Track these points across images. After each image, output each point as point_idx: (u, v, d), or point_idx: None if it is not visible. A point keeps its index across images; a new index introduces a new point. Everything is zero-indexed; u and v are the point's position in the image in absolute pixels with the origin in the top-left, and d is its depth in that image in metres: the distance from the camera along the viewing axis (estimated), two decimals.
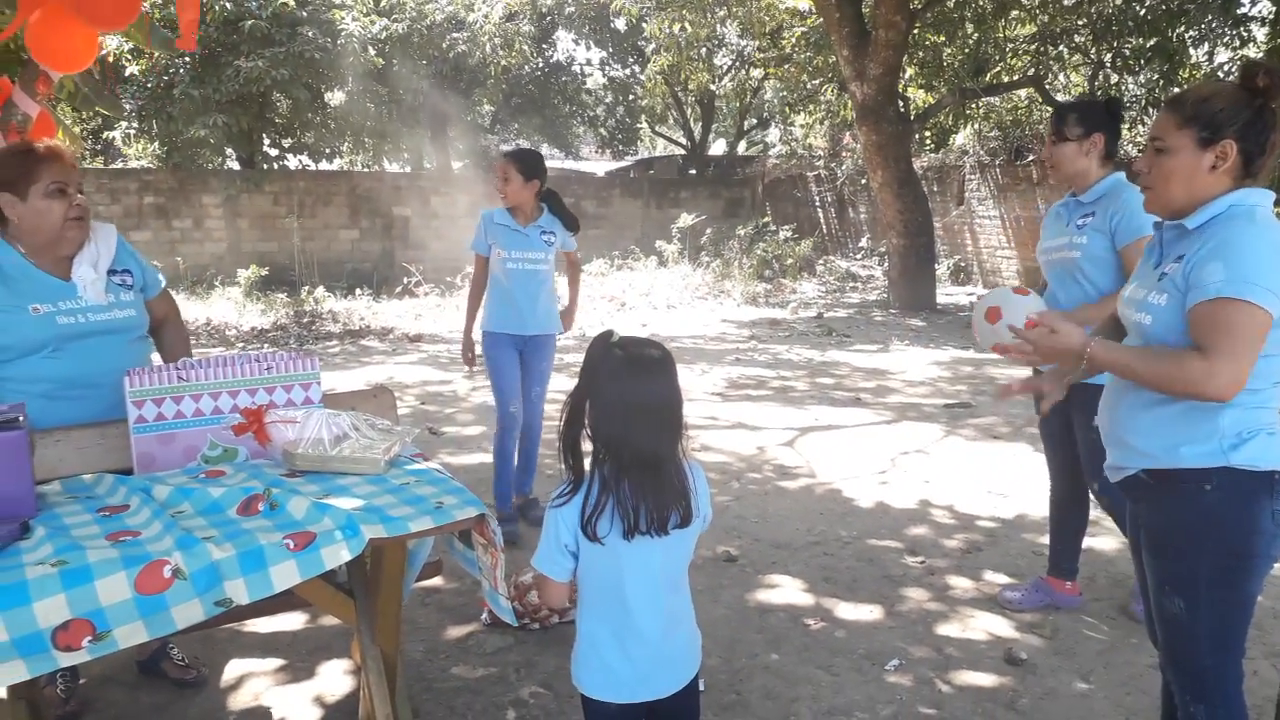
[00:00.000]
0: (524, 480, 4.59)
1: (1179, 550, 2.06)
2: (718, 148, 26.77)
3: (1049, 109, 14.05)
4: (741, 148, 25.09)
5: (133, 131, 15.71)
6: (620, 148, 25.21)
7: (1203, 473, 1.98)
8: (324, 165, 18.59)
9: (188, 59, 14.01)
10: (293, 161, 18.12)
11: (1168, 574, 2.08)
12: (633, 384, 1.82)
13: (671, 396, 1.85)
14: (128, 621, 1.76)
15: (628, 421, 1.81)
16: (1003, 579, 3.88)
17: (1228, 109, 1.96)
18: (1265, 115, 1.96)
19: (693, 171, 21.47)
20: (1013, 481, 5.10)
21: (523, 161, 4.34)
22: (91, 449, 2.49)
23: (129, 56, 13.68)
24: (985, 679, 3.11)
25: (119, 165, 16.93)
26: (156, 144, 15.96)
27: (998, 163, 14.50)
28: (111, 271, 2.73)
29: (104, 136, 16.03)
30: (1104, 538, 4.13)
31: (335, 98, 17.32)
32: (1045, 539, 4.22)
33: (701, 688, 3.00)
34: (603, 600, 1.91)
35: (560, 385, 4.97)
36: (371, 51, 16.02)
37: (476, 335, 4.51)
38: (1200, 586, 2.02)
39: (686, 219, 15.27)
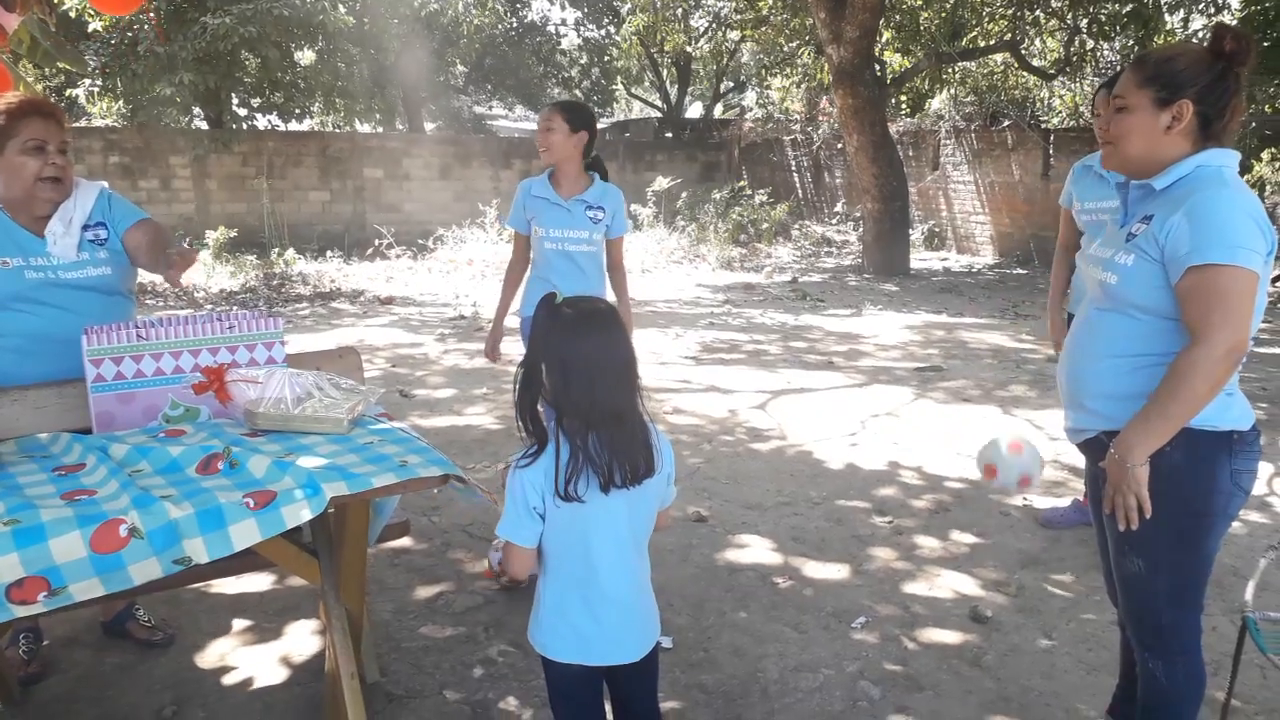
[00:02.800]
0: None
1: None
2: (694, 110, 26.62)
3: (1025, 75, 14.08)
4: (718, 111, 24.92)
5: (96, 89, 15.35)
6: (595, 109, 25.00)
7: None
8: (294, 126, 18.30)
9: (153, 15, 13.68)
10: (262, 121, 17.79)
11: (1129, 533, 2.08)
12: (589, 341, 1.81)
13: (627, 349, 1.86)
14: (84, 578, 1.74)
15: (591, 378, 1.79)
16: (970, 539, 3.92)
17: (1187, 70, 1.94)
18: (1227, 79, 1.94)
19: (669, 134, 21.30)
20: (981, 443, 5.13)
21: (570, 110, 3.60)
22: (49, 408, 2.45)
23: (91, 12, 13.33)
24: (950, 636, 3.15)
25: (83, 124, 16.56)
26: (121, 102, 15.61)
27: (973, 128, 14.49)
28: (85, 227, 2.68)
29: (67, 94, 15.65)
30: (1070, 498, 4.18)
31: (305, 56, 16.99)
32: (1013, 500, 4.28)
33: (670, 645, 3.03)
34: (568, 563, 1.89)
35: None
36: (342, 9, 15.71)
37: (511, 322, 3.81)
38: (1160, 546, 2.04)
39: (662, 182, 15.16)
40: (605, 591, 1.89)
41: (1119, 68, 12.32)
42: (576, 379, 1.80)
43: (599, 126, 3.92)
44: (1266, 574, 2.52)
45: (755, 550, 3.82)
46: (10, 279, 2.55)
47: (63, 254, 2.61)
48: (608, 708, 2.11)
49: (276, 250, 12.73)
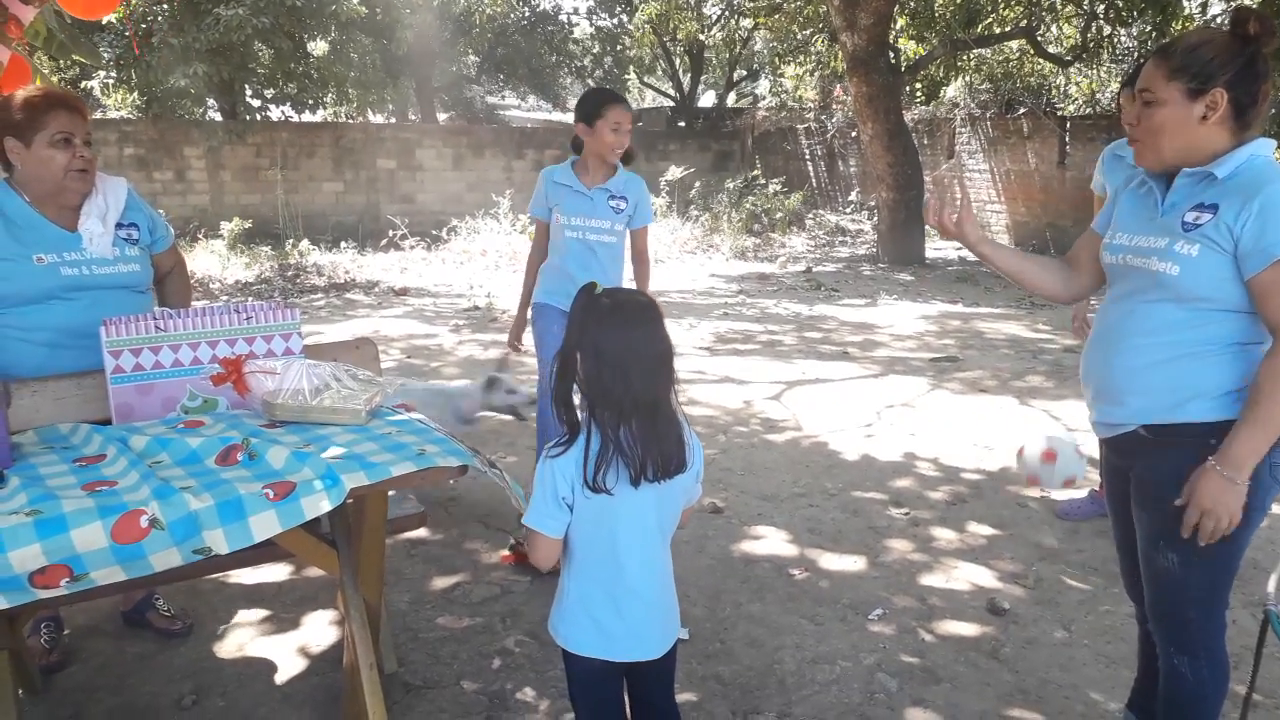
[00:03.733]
0: None
1: (1173, 505, 2.02)
2: (707, 99, 26.49)
3: (1041, 62, 13.96)
4: (731, 99, 24.82)
5: (111, 81, 15.42)
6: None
7: (1208, 427, 1.94)
8: (307, 116, 18.31)
9: (165, 6, 13.72)
10: (275, 112, 17.84)
11: (1164, 528, 2.04)
12: (627, 332, 1.80)
13: (664, 341, 1.84)
14: (105, 566, 1.75)
15: (626, 369, 1.78)
16: (987, 530, 3.90)
17: (1217, 58, 1.89)
18: (1256, 63, 1.90)
19: (681, 124, 21.23)
20: (998, 434, 5.12)
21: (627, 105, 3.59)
22: (69, 399, 2.46)
23: None
24: (968, 628, 3.14)
25: (98, 115, 16.63)
26: (136, 94, 15.67)
27: (988, 115, 14.38)
28: (118, 225, 2.73)
29: (82, 86, 15.71)
30: (1088, 489, 4.15)
31: (318, 47, 17.01)
32: (1029, 491, 4.26)
33: (686, 636, 3.02)
34: (594, 557, 1.88)
35: None
36: (354, 0, 15.71)
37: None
38: (1194, 540, 1.99)
39: (675, 172, 15.12)
40: (631, 586, 1.88)
41: (1137, 54, 12.23)
42: (610, 369, 1.79)
43: None
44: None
45: (771, 541, 3.81)
46: (46, 275, 2.57)
47: (100, 251, 2.66)
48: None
49: (291, 241, 12.77)
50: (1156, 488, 2.05)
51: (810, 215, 15.97)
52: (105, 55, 14.13)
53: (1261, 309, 1.88)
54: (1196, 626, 2.08)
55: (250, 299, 9.85)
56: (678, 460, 1.84)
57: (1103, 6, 12.36)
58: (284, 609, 3.26)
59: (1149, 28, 11.65)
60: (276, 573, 3.49)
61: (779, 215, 15.13)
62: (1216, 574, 2.04)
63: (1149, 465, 2.08)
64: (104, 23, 13.66)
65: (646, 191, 3.72)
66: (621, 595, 1.88)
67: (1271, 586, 2.37)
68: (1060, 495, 4.17)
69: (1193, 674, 2.10)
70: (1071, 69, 14.06)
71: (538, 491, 1.85)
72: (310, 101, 17.70)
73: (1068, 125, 13.20)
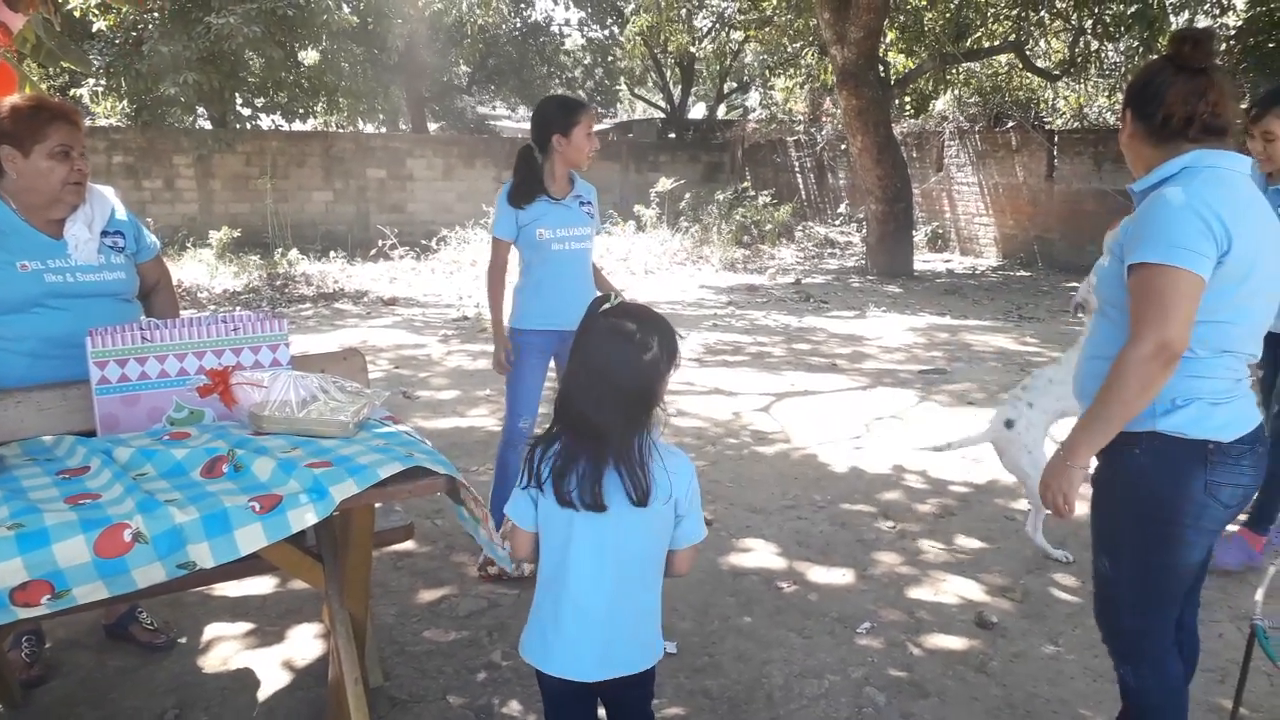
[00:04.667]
0: None
1: (1106, 510, 2.09)
2: (697, 111, 26.58)
3: (1029, 76, 14.06)
4: (721, 111, 24.91)
5: (100, 89, 15.37)
6: (599, 110, 24.98)
7: (1131, 435, 1.97)
8: (298, 125, 18.31)
9: (156, 15, 13.70)
10: (266, 121, 17.82)
11: (1097, 532, 2.12)
12: (596, 349, 1.81)
13: (629, 371, 1.79)
14: (87, 582, 1.73)
15: (580, 383, 1.82)
16: (975, 544, 3.90)
17: (1131, 80, 2.03)
18: (1160, 77, 1.96)
19: (672, 135, 21.30)
20: (986, 447, 5.12)
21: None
22: (53, 410, 2.44)
23: (95, 11, 13.36)
24: (956, 642, 3.13)
25: (87, 123, 16.58)
26: (125, 102, 15.63)
27: (977, 129, 14.47)
28: (104, 233, 2.71)
29: (71, 94, 15.66)
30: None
31: (309, 56, 17.02)
32: (1018, 504, 4.27)
33: (674, 650, 3.01)
34: (549, 565, 1.89)
35: None
36: (346, 9, 15.73)
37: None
38: (1124, 549, 2.04)
39: (665, 183, 15.15)
40: (575, 601, 1.84)
41: (1124, 69, 12.33)
42: (571, 378, 1.84)
43: (603, 126, 3.92)
44: (1276, 580, 2.50)
45: (759, 554, 3.80)
46: (29, 282, 2.54)
47: (85, 258, 2.63)
48: None
49: (280, 250, 12.72)
50: (1094, 492, 2.13)
51: (800, 227, 16.02)
52: (95, 63, 14.09)
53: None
54: (1133, 634, 2.09)
55: (238, 308, 9.82)
56: (635, 496, 1.78)
57: (1090, 21, 12.46)
58: (269, 622, 3.24)
59: (1136, 43, 11.74)
60: (261, 585, 3.47)
61: (769, 227, 15.17)
62: (1148, 586, 2.04)
63: (1095, 469, 2.14)
64: (94, 30, 13.63)
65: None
66: (563, 608, 1.85)
67: (1258, 600, 2.38)
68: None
69: (1135, 682, 2.11)
70: (1059, 83, 14.16)
71: (517, 480, 1.90)
72: (301, 110, 17.72)
73: (1055, 139, 13.29)
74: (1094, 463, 2.09)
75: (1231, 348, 1.94)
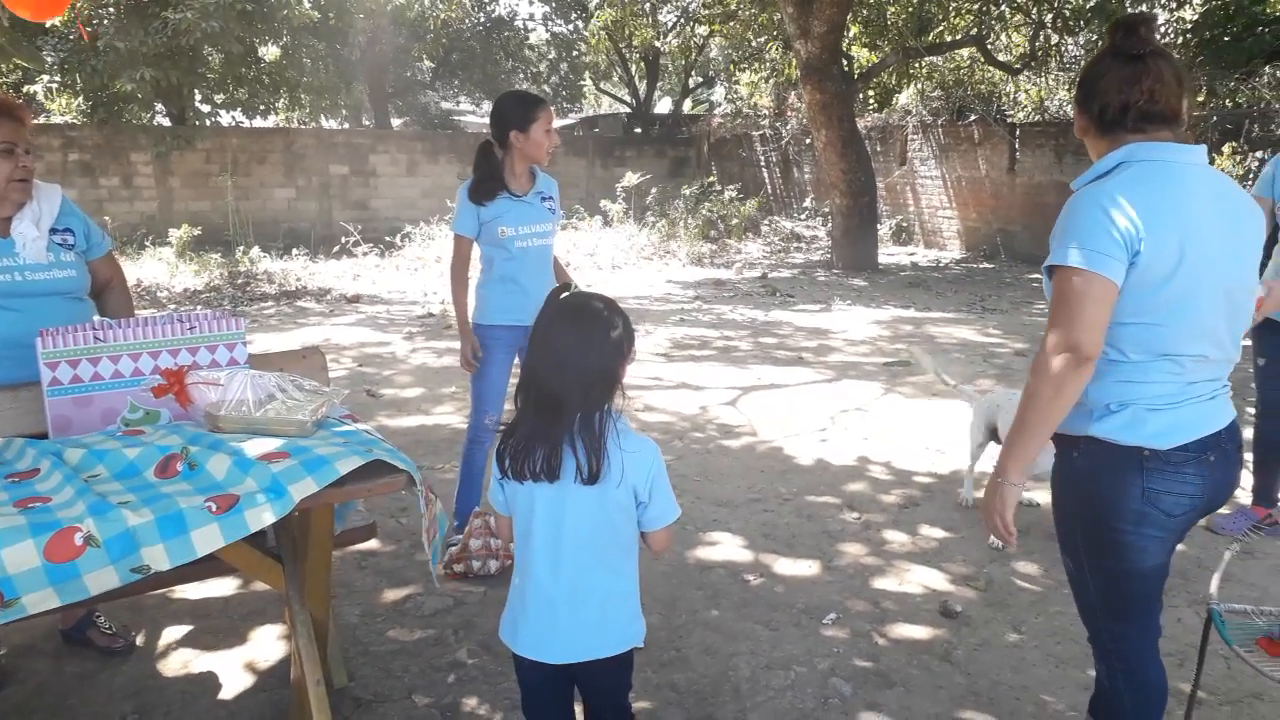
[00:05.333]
0: None
1: (1061, 512, 2.07)
2: (663, 106, 26.59)
3: (991, 69, 14.20)
4: (687, 106, 24.93)
5: (55, 85, 15.08)
6: (564, 105, 24.90)
7: (1071, 439, 1.96)
8: (258, 122, 18.06)
9: (111, 9, 13.45)
10: (225, 118, 17.56)
11: (1059, 532, 2.10)
12: (553, 327, 1.86)
13: (587, 347, 1.84)
14: (37, 589, 1.69)
15: (540, 360, 1.85)
16: (939, 533, 3.94)
17: (1082, 74, 1.98)
18: (1097, 67, 1.93)
19: (638, 130, 21.26)
20: (950, 437, 5.17)
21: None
22: (4, 412, 2.40)
23: None
24: (920, 631, 3.16)
25: (41, 120, 16.26)
26: (81, 99, 15.35)
27: (940, 123, 14.58)
28: (52, 230, 2.66)
29: (25, 90, 15.35)
30: (1039, 492, 4.21)
31: (270, 51, 16.79)
32: (979, 493, 4.31)
33: (640, 645, 3.00)
34: (520, 545, 1.95)
35: None
36: (306, 4, 15.54)
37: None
38: (1082, 552, 2.02)
39: (631, 178, 15.12)
40: (535, 580, 1.91)
41: (1083, 62, 12.46)
42: (531, 357, 1.88)
43: (569, 122, 3.92)
44: (1230, 566, 2.54)
45: (726, 547, 3.81)
46: None
47: (34, 256, 2.58)
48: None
49: (241, 248, 12.55)
50: (1053, 495, 2.10)
51: (766, 221, 16.06)
52: (48, 59, 13.82)
53: None
54: (1108, 638, 2.07)
55: (199, 307, 9.68)
56: (587, 471, 1.82)
57: (1050, 15, 12.60)
58: (230, 624, 3.20)
59: (1095, 36, 11.89)
60: (222, 587, 3.42)
61: (735, 222, 15.20)
62: (1113, 587, 2.01)
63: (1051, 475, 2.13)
64: (48, 26, 13.36)
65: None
66: (529, 589, 1.93)
67: (1214, 586, 2.42)
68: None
69: (1108, 681, 2.09)
70: (1020, 77, 14.30)
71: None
72: (262, 107, 17.47)
73: (1017, 132, 13.42)
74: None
75: (1169, 351, 1.85)
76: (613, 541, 1.93)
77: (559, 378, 1.82)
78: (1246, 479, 4.11)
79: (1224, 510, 4.04)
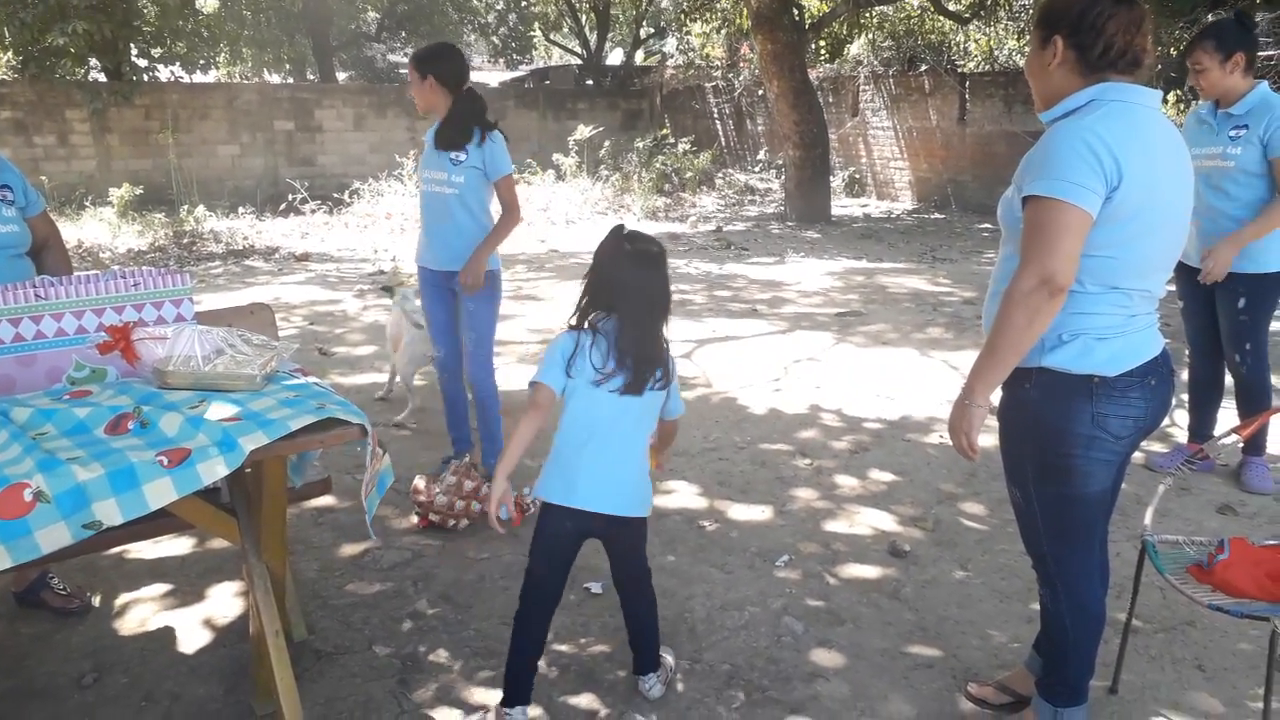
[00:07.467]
0: (487, 451, 3.93)
1: (1010, 443, 2.14)
2: (615, 57, 26.28)
3: (941, 19, 14.21)
4: (639, 58, 24.65)
5: None
6: (514, 57, 24.54)
7: (1024, 371, 2.02)
8: (199, 77, 17.57)
9: None
10: (164, 73, 17.04)
11: (1006, 464, 2.18)
12: (634, 272, 2.31)
13: (663, 283, 2.36)
14: None
15: (627, 299, 2.29)
16: (888, 477, 4.03)
17: (1058, 6, 1.98)
18: (1099, 7, 1.93)
19: (589, 82, 21.02)
20: (899, 385, 5.26)
21: (417, 59, 3.68)
22: None
23: None
24: (870, 571, 3.24)
25: None
26: (10, 53, 14.81)
27: (891, 73, 14.61)
28: None
29: None
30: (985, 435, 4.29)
31: (208, 3, 16.31)
32: (929, 439, 4.41)
33: (599, 590, 3.06)
34: (577, 423, 2.32)
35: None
36: None
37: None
38: (1029, 480, 2.10)
39: (584, 131, 14.98)
40: (599, 449, 2.30)
41: (1030, 12, 12.52)
42: (618, 296, 2.30)
43: (519, 74, 3.98)
44: (1165, 500, 2.64)
45: (682, 495, 3.87)
46: None
47: None
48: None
49: (186, 208, 12.28)
50: (1000, 425, 2.18)
51: (720, 174, 16.04)
52: None
53: None
54: (1053, 560, 2.16)
55: (144, 267, 9.48)
56: (660, 377, 2.33)
57: None
58: (187, 582, 3.19)
59: None
60: (179, 547, 3.41)
61: (689, 175, 15.16)
62: (1061, 515, 2.10)
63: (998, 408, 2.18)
64: None
65: (497, 143, 3.68)
66: (590, 454, 2.30)
67: (1148, 519, 2.51)
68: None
69: (1052, 606, 2.19)
70: (970, 26, 14.34)
71: (547, 355, 2.32)
72: (202, 61, 17.01)
73: (967, 83, 13.49)
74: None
75: (1119, 284, 1.94)
76: (650, 428, 2.42)
77: (646, 313, 2.31)
78: (1182, 418, 4.26)
79: (1162, 448, 4.19)
